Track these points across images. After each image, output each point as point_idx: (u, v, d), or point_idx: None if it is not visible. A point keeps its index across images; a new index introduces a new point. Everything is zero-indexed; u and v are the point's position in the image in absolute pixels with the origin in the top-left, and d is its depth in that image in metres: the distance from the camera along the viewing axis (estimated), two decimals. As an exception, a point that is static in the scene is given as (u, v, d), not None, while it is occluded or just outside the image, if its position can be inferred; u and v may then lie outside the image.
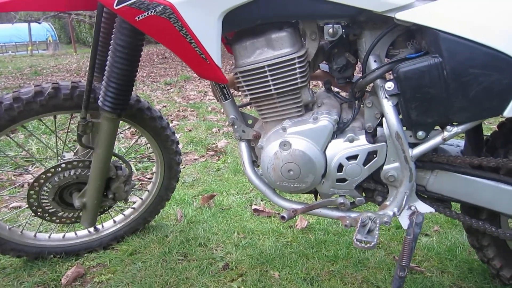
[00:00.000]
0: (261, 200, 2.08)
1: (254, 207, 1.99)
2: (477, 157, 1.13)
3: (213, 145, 3.06)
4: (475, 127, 1.17)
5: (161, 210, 1.83)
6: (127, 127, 1.51)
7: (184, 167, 2.67)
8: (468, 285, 1.41)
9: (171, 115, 4.14)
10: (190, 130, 3.52)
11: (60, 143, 1.87)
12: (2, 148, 2.95)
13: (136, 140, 3.00)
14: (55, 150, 1.62)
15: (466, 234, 1.39)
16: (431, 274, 1.46)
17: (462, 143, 1.27)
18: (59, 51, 16.02)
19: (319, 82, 1.34)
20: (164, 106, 4.62)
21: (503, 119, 1.23)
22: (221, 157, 2.82)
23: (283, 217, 1.16)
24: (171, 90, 5.70)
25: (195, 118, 4.02)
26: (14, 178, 2.57)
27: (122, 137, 3.28)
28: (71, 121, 1.66)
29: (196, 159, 2.84)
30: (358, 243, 1.04)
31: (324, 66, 1.30)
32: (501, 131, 1.22)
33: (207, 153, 2.91)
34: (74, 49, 15.01)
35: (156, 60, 9.66)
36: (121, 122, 1.46)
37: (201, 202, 2.08)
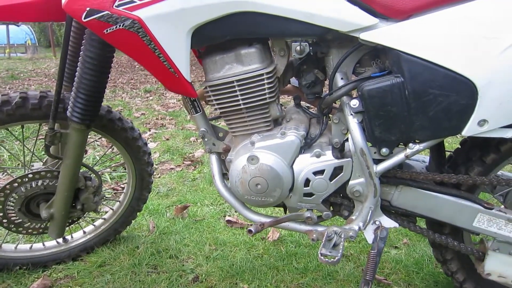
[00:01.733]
0: (235, 211, 2.08)
1: (227, 218, 1.99)
2: (439, 173, 1.16)
3: (190, 155, 3.05)
4: (438, 144, 1.22)
5: (132, 221, 1.81)
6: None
7: (159, 177, 2.65)
8: (433, 298, 1.45)
9: (149, 123, 4.12)
10: (167, 139, 3.50)
11: (28, 153, 1.84)
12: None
13: (112, 149, 2.96)
14: (23, 159, 1.59)
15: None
16: (398, 287, 1.49)
17: (427, 158, 1.31)
18: (38, 55, 15.74)
19: (290, 96, 1.36)
20: (142, 114, 4.59)
21: (465, 137, 1.27)
22: (197, 167, 2.82)
23: (250, 231, 1.16)
24: (151, 98, 5.67)
25: (173, 126, 4.01)
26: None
27: (98, 145, 3.25)
28: (40, 131, 1.64)
29: (172, 168, 2.82)
30: (322, 257, 1.06)
31: (294, 81, 1.32)
32: (463, 148, 1.26)
33: (183, 163, 2.91)
34: (54, 53, 14.77)
35: (137, 66, 9.60)
36: (93, 131, 1.46)
37: (175, 213, 2.07)
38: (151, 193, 2.31)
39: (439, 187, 1.18)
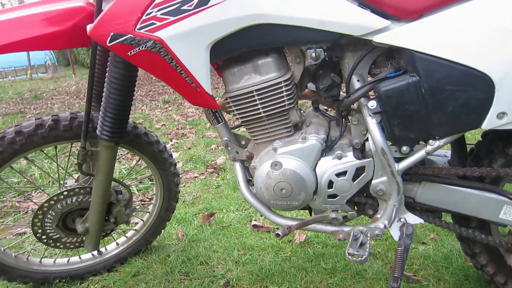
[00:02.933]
0: (260, 216, 2.11)
1: (253, 223, 2.03)
2: (462, 167, 1.17)
3: (212, 162, 3.10)
4: (458, 138, 1.23)
5: (162, 231, 1.87)
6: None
7: (184, 186, 2.71)
8: (464, 292, 1.45)
9: (170, 134, 4.20)
10: (189, 148, 3.57)
11: (61, 171, 1.92)
12: (5, 175, 3.00)
13: (137, 162, 3.05)
14: (57, 177, 1.67)
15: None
16: (428, 283, 1.50)
17: (449, 153, 1.32)
18: (58, 74, 16.18)
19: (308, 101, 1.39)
20: (163, 124, 4.68)
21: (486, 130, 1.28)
22: (220, 173, 2.87)
23: (277, 235, 1.20)
24: (170, 108, 5.77)
25: (194, 135, 4.08)
26: (18, 205, 2.62)
27: (123, 159, 3.34)
28: (72, 149, 1.71)
29: (196, 177, 2.88)
30: (350, 257, 1.08)
31: (311, 85, 1.35)
32: (484, 141, 1.27)
33: (206, 171, 2.96)
34: (73, 71, 15.16)
35: (154, 78, 9.77)
36: (121, 147, 1.52)
37: (202, 220, 2.12)
38: (178, 202, 2.39)
39: (463, 181, 1.19)
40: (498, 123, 1.01)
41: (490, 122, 1.01)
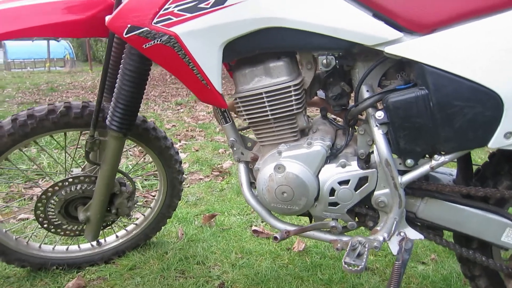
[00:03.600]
0: (261, 222, 2.11)
1: (253, 228, 2.03)
2: (466, 186, 1.16)
3: (219, 166, 3.11)
4: (464, 156, 1.22)
5: (162, 227, 1.88)
6: (134, 145, 1.59)
7: (188, 186, 2.72)
8: (461, 314, 1.43)
9: (179, 135, 4.23)
10: (197, 150, 3.59)
11: (69, 159, 1.94)
12: (14, 161, 3.05)
13: (144, 158, 3.07)
14: (64, 165, 1.69)
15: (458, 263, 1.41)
16: (424, 302, 1.48)
17: (455, 172, 1.31)
18: (76, 69, 16.43)
19: (317, 108, 1.40)
20: (173, 125, 4.71)
21: (494, 150, 1.27)
22: (225, 177, 2.88)
23: (275, 238, 1.19)
24: (181, 110, 5.82)
25: (203, 138, 4.10)
26: (24, 191, 2.65)
27: (131, 155, 3.36)
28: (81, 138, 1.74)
29: (201, 178, 2.89)
30: (346, 266, 1.07)
31: (321, 93, 1.36)
32: (491, 161, 1.26)
33: (212, 173, 2.97)
34: (90, 67, 15.37)
35: (168, 80, 9.87)
36: (128, 140, 1.54)
37: (202, 221, 2.12)
38: (180, 201, 2.39)
39: (466, 200, 1.18)
40: (505, 143, 1.01)
41: (497, 141, 1.01)
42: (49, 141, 3.58)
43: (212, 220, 2.14)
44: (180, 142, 3.94)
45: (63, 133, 1.50)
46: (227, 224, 2.11)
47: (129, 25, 1.07)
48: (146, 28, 1.06)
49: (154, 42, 1.07)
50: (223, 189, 2.65)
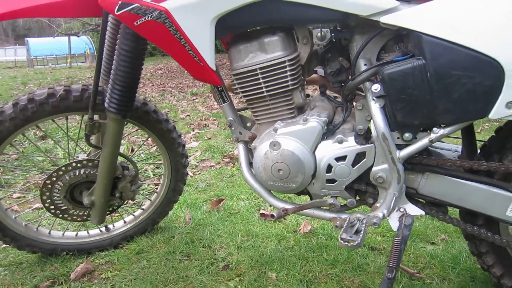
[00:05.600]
0: (270, 206, 2.10)
1: (261, 211, 2.02)
2: (469, 160, 1.12)
3: (230, 153, 3.11)
4: (468, 131, 1.18)
5: (169, 212, 1.89)
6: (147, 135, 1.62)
7: (199, 173, 2.73)
8: (469, 294, 1.39)
9: (193, 124, 4.25)
10: (209, 138, 3.60)
11: (74, 144, 1.96)
12: (29, 153, 3.12)
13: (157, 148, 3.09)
14: (67, 150, 1.71)
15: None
16: (431, 281, 1.44)
17: (460, 148, 1.27)
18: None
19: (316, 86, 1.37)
20: (187, 115, 4.74)
21: (501, 124, 1.22)
22: (236, 164, 2.87)
23: (272, 216, 1.18)
24: (196, 100, 5.84)
25: (216, 126, 4.10)
26: (40, 182, 2.70)
27: (144, 144, 3.40)
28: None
29: (212, 165, 2.90)
30: (342, 241, 1.05)
31: (321, 71, 1.33)
32: (498, 136, 1.21)
33: (222, 160, 2.97)
34: (109, 61, 15.56)
35: (186, 72, 9.90)
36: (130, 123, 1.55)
37: (211, 206, 2.13)
38: (190, 188, 2.41)
39: (469, 174, 1.14)
40: (507, 113, 0.96)
41: (498, 111, 0.97)
42: (63, 134, 3.65)
43: (220, 204, 2.14)
44: (193, 131, 3.96)
45: (65, 118, 1.52)
46: (235, 208, 2.11)
47: (120, 2, 1.07)
48: (136, 4, 1.06)
49: (145, 19, 1.07)
50: (233, 175, 2.65)
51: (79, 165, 1.51)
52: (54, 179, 1.50)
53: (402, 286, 1.41)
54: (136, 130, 1.63)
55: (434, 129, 1.05)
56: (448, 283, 1.43)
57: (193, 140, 3.57)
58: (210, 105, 5.36)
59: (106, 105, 1.33)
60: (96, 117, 1.46)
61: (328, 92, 1.32)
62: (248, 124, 1.35)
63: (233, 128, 1.32)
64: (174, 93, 6.71)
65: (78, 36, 17.05)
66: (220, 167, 2.83)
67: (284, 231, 1.82)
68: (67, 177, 1.51)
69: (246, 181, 1.31)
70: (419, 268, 1.52)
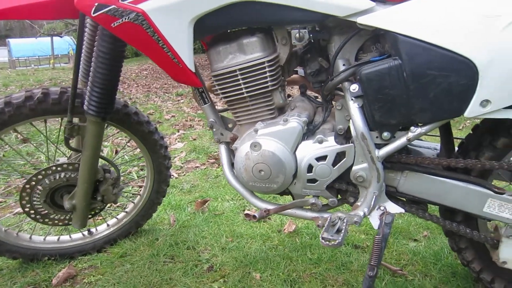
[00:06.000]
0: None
1: (246, 212, 2.02)
2: (447, 158, 1.14)
3: (215, 153, 3.10)
4: (445, 129, 1.20)
5: (153, 214, 1.87)
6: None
7: (184, 175, 2.72)
8: (450, 289, 1.41)
9: (178, 125, 4.23)
10: (194, 139, 3.59)
11: (55, 148, 1.93)
12: (10, 158, 3.07)
13: (129, 143, 3.06)
14: (47, 154, 1.69)
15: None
16: (413, 278, 1.46)
17: (439, 146, 1.29)
18: (79, 65, 16.40)
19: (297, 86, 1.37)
20: (172, 116, 4.71)
21: (477, 122, 1.24)
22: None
23: (254, 216, 1.19)
24: (182, 101, 5.81)
25: (201, 127, 4.09)
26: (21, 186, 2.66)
27: (128, 146, 3.36)
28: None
29: (197, 166, 2.89)
30: (323, 241, 1.06)
31: (301, 71, 1.34)
32: (475, 133, 1.23)
33: (207, 161, 2.97)
34: (93, 63, 15.37)
35: (170, 72, 9.83)
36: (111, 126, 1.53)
37: (195, 207, 2.12)
38: (175, 189, 2.40)
39: (447, 172, 1.16)
40: (481, 111, 0.98)
41: (473, 110, 0.98)
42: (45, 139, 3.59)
43: (205, 206, 2.14)
44: (178, 132, 3.94)
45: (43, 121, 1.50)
46: (220, 209, 2.10)
47: (96, 4, 1.05)
48: (113, 6, 1.05)
49: (122, 20, 1.05)
50: (218, 175, 2.65)
51: (59, 168, 1.49)
52: (34, 183, 1.48)
53: (385, 283, 1.43)
54: (118, 132, 1.61)
55: (412, 128, 1.06)
56: (430, 279, 1.46)
57: (178, 141, 3.55)
58: (196, 105, 5.34)
59: (85, 107, 1.31)
60: (76, 120, 1.44)
61: (308, 92, 1.32)
62: (230, 125, 1.35)
63: (214, 129, 1.31)
64: (159, 94, 6.67)
65: (61, 37, 16.83)
66: (205, 168, 2.82)
67: (269, 231, 1.82)
68: (47, 181, 1.48)
69: (228, 182, 1.31)
70: (402, 265, 1.54)
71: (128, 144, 3.37)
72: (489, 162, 1.09)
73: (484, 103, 0.97)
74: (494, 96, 0.96)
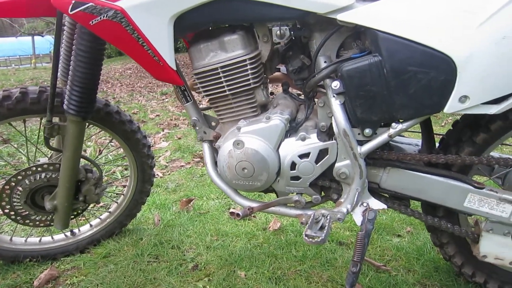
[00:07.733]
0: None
1: (231, 210, 2.01)
2: (427, 154, 1.15)
3: (200, 152, 3.09)
4: (426, 125, 1.21)
5: (137, 214, 1.85)
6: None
7: (169, 174, 2.70)
8: (433, 283, 1.43)
9: (163, 124, 4.20)
10: (179, 138, 3.56)
11: (37, 148, 1.90)
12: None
13: (112, 142, 3.03)
14: (27, 154, 1.66)
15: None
16: (397, 273, 1.48)
17: (420, 142, 1.30)
18: (62, 64, 16.16)
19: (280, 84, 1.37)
20: (157, 115, 4.67)
21: (457, 118, 1.26)
22: (206, 163, 2.85)
23: (238, 215, 1.18)
24: (166, 100, 5.77)
25: (186, 126, 4.07)
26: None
27: (111, 145, 3.33)
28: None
29: (182, 165, 2.87)
30: (307, 238, 1.06)
31: (284, 69, 1.34)
32: (455, 129, 1.25)
33: (193, 160, 2.95)
34: (77, 62, 15.15)
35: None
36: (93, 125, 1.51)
37: (180, 207, 2.11)
38: (160, 188, 2.38)
39: (428, 168, 1.17)
40: (460, 107, 0.99)
41: (452, 106, 0.99)
42: (30, 135, 3.53)
43: (190, 205, 2.12)
44: (163, 131, 3.91)
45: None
46: (205, 208, 2.09)
47: (73, 1, 1.04)
48: (91, 4, 1.03)
49: (100, 18, 1.04)
50: (203, 174, 2.63)
51: (39, 169, 1.46)
52: (13, 184, 1.45)
53: (369, 279, 1.44)
54: (101, 131, 1.59)
55: (393, 124, 1.07)
56: (413, 274, 1.47)
57: (163, 140, 3.53)
58: (180, 105, 5.30)
59: (65, 107, 1.29)
60: (56, 119, 1.42)
61: (291, 89, 1.32)
62: (213, 123, 1.35)
63: (197, 128, 1.31)
64: (143, 93, 6.61)
65: (42, 36, 16.54)
66: (190, 167, 2.80)
67: (254, 229, 1.82)
68: (27, 182, 1.46)
69: (212, 180, 1.30)
70: (386, 261, 1.56)
71: (112, 143, 3.34)
72: (469, 158, 1.10)
73: (463, 98, 0.98)
74: (473, 92, 0.97)
